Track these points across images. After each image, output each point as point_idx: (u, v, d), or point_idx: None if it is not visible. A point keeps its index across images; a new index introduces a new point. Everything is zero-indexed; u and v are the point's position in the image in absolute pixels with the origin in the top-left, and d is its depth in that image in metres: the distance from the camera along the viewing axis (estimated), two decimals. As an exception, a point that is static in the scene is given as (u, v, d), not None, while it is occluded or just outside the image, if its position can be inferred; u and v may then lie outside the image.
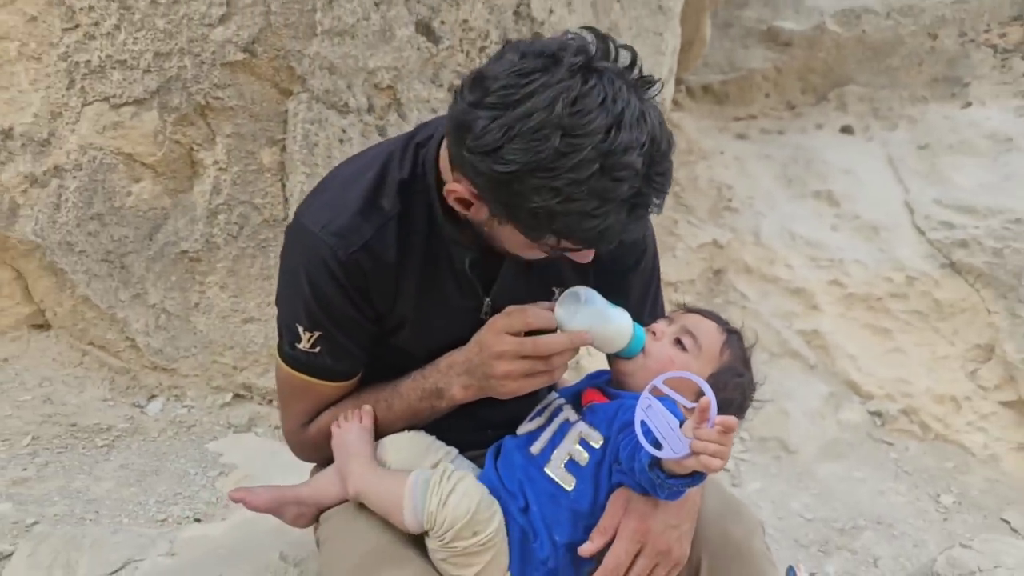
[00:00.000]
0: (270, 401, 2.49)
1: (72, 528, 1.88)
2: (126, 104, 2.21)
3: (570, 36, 1.03)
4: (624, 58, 1.04)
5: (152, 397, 2.41)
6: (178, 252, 2.34)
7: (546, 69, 0.98)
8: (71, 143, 2.21)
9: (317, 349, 1.26)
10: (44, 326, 2.43)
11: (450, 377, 1.25)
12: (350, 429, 1.31)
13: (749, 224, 3.76)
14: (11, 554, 1.85)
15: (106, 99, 2.21)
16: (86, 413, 2.32)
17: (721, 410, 1.26)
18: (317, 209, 1.24)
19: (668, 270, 3.49)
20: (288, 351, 1.29)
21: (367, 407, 1.32)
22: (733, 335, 1.37)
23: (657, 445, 1.04)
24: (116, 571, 1.73)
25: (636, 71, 1.03)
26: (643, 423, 1.05)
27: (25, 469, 2.17)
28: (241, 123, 2.28)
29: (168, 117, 2.23)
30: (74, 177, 2.23)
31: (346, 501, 1.30)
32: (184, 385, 2.43)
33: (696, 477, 1.07)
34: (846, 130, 4.11)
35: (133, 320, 2.35)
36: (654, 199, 1.05)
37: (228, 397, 2.46)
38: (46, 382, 2.36)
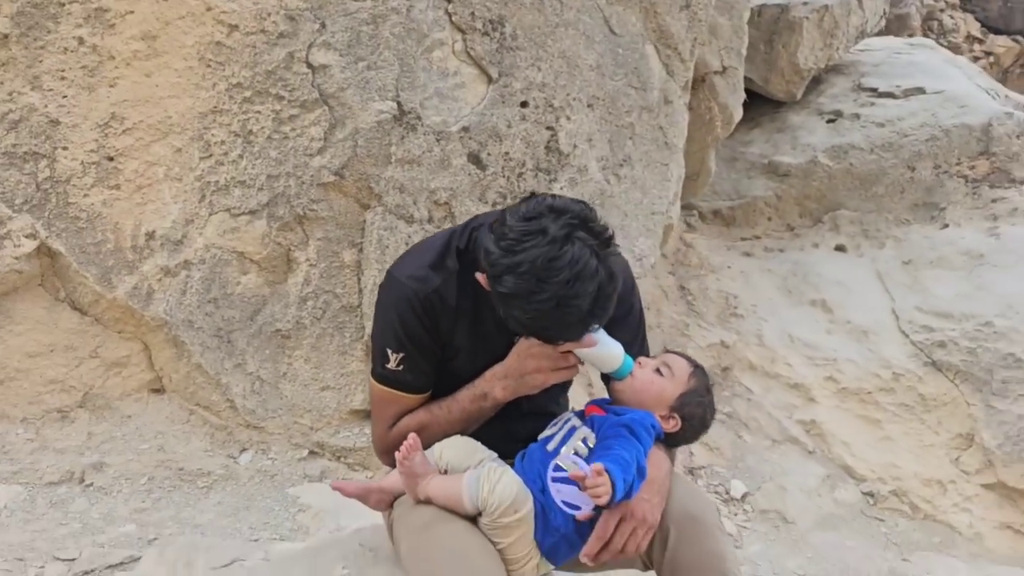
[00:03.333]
0: (339, 458, 2.99)
1: (190, 537, 2.37)
2: (243, 214, 2.85)
3: (570, 214, 1.52)
4: (599, 227, 1.54)
5: (244, 450, 2.93)
6: (273, 331, 2.91)
7: (541, 232, 1.49)
8: (199, 243, 2.84)
9: (401, 368, 1.76)
10: (160, 390, 2.98)
11: (493, 383, 1.74)
12: (412, 458, 1.78)
13: (753, 328, 4.25)
14: (140, 558, 2.33)
15: (227, 210, 2.85)
16: (191, 460, 2.84)
17: (686, 422, 1.79)
18: (403, 265, 1.78)
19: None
20: (380, 371, 1.79)
21: (414, 436, 1.70)
22: (699, 369, 1.86)
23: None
24: (226, 565, 2.19)
25: (604, 235, 1.54)
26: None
27: (143, 501, 2.68)
28: (329, 229, 2.91)
29: (274, 224, 2.86)
30: (198, 269, 2.85)
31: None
32: (270, 441, 2.94)
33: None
34: (839, 248, 4.64)
35: (234, 385, 2.90)
36: (595, 323, 1.57)
37: (305, 453, 2.96)
38: (160, 435, 2.89)
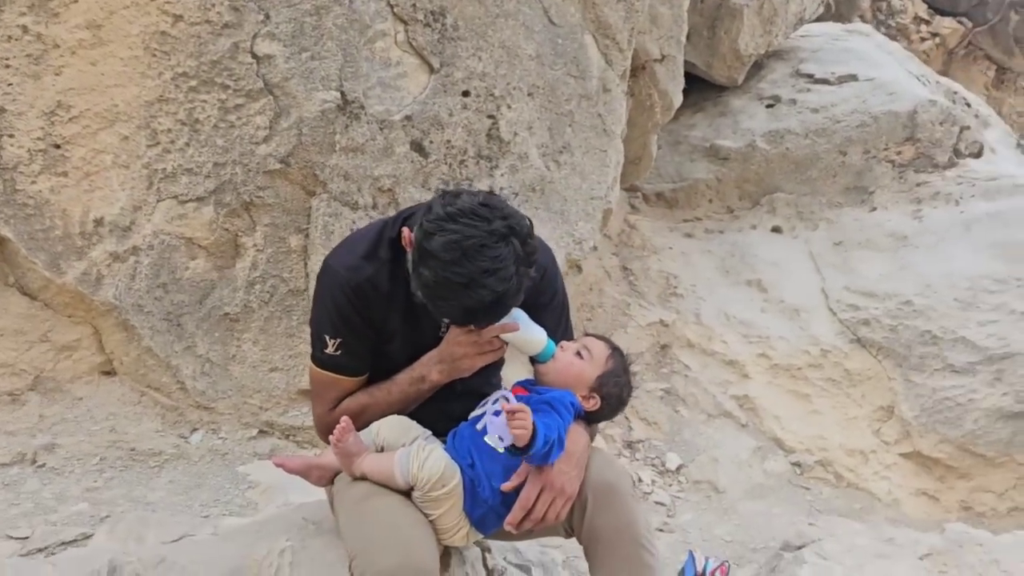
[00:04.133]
0: (288, 436, 3.10)
1: (141, 513, 2.47)
2: (191, 201, 2.92)
3: (516, 222, 1.62)
4: (531, 247, 1.65)
5: (194, 430, 3.02)
6: (222, 314, 3.00)
7: (486, 220, 1.59)
8: (147, 229, 2.91)
9: (339, 352, 1.86)
10: (111, 373, 3.05)
11: (429, 366, 1.86)
12: (346, 439, 1.88)
13: (692, 307, 4.43)
14: (92, 535, 2.42)
15: (175, 197, 2.92)
16: (142, 440, 2.93)
17: (604, 401, 1.93)
18: (338, 255, 1.89)
19: (621, 343, 4.14)
20: (319, 356, 1.89)
21: (347, 419, 1.81)
22: (617, 351, 2.00)
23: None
24: (176, 540, 2.30)
25: (531, 255, 1.65)
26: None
27: (95, 481, 2.77)
28: (276, 216, 2.99)
29: (221, 211, 2.94)
30: (147, 255, 2.91)
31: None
32: (220, 421, 3.04)
33: (534, 453, 1.67)
34: (776, 230, 4.84)
35: (184, 367, 2.98)
36: (479, 322, 1.70)
37: (254, 432, 3.06)
38: (111, 417, 2.97)
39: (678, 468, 3.72)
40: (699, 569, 2.41)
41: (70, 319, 2.99)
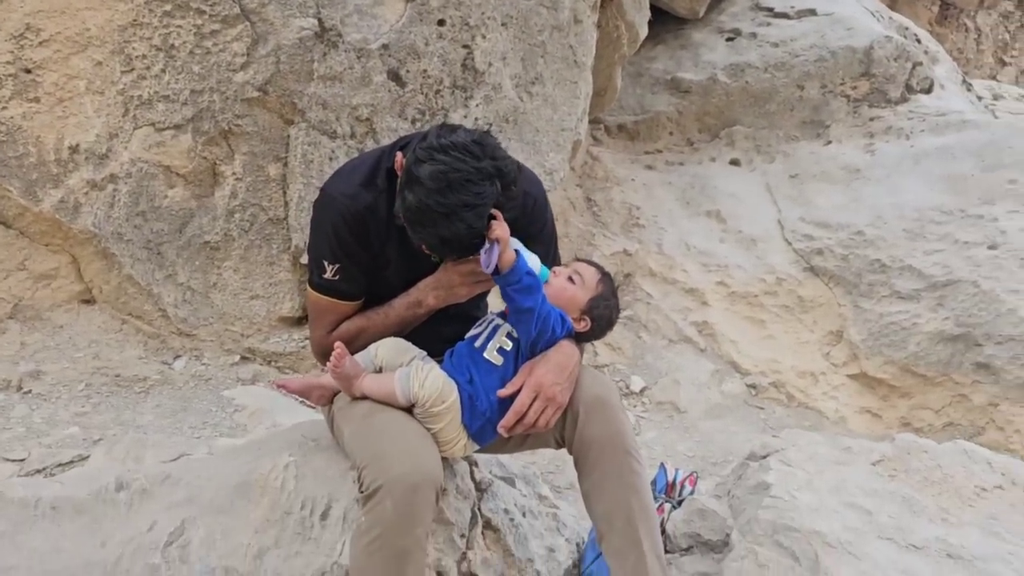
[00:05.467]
0: (269, 363, 3.17)
1: (135, 435, 2.54)
2: (168, 128, 2.91)
3: (506, 165, 1.69)
4: (514, 192, 1.73)
5: (177, 356, 3.07)
6: (202, 242, 3.02)
7: (476, 158, 1.65)
8: (124, 157, 2.90)
9: (337, 277, 1.92)
10: (91, 301, 3.07)
11: (426, 292, 1.95)
12: (343, 363, 1.94)
13: (653, 237, 4.57)
14: (88, 457, 2.49)
15: (152, 124, 2.90)
16: (126, 367, 2.97)
17: (594, 323, 2.04)
18: (336, 183, 1.93)
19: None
20: (317, 281, 1.95)
21: (340, 345, 1.89)
22: (606, 276, 2.11)
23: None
24: (173, 460, 2.38)
25: (510, 200, 1.73)
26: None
27: (83, 406, 2.82)
28: (254, 144, 3.00)
29: (199, 139, 2.94)
30: (125, 183, 2.91)
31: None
32: (203, 348, 3.09)
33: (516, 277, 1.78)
34: (734, 163, 4.98)
35: (165, 295, 3.02)
36: (448, 254, 1.77)
37: (237, 358, 3.13)
38: (94, 344, 3.00)
39: (642, 390, 3.90)
40: (670, 479, 2.58)
41: (47, 248, 2.98)
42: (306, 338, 3.05)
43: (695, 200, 4.78)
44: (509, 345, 1.96)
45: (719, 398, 3.99)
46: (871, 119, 4.81)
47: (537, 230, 2.05)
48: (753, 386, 4.10)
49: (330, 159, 3.03)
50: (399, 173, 1.80)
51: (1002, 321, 3.71)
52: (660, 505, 2.43)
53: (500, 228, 1.74)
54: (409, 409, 1.92)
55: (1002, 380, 3.68)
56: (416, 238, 1.77)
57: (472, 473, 2.30)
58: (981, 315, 3.76)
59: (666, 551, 2.23)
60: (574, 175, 4.79)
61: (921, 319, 3.93)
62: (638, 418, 3.72)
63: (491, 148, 1.72)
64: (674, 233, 4.59)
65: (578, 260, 2.14)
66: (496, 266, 1.77)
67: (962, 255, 3.95)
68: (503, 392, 1.88)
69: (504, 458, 2.57)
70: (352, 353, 1.99)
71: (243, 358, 3.13)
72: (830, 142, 4.84)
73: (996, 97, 6.99)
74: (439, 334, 2.05)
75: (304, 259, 3.00)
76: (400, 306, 1.99)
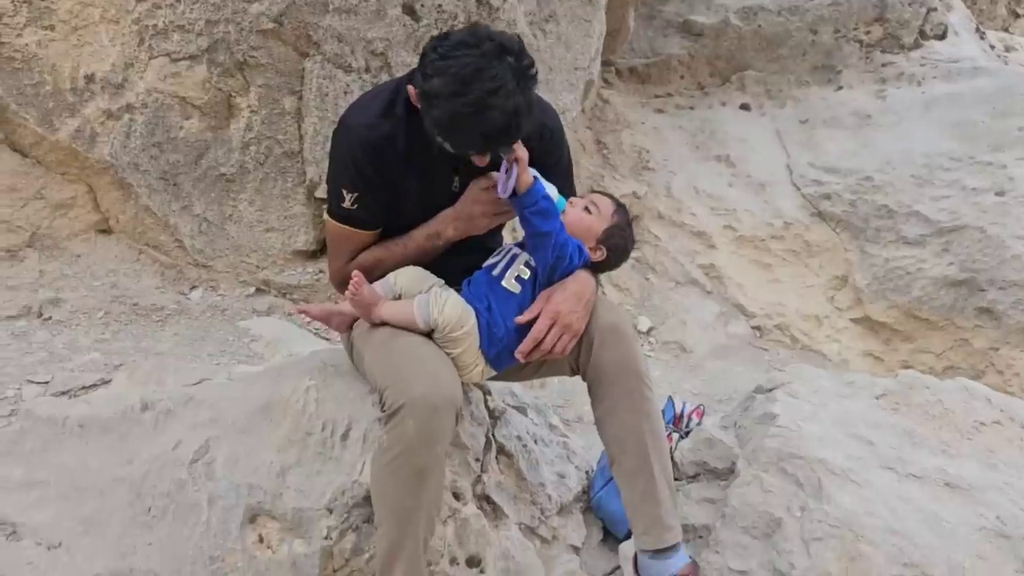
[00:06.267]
0: (284, 295, 3.21)
1: (157, 360, 2.59)
2: (183, 59, 2.91)
3: (504, 40, 1.70)
4: (527, 60, 1.73)
5: (194, 287, 3.12)
6: (217, 174, 3.05)
7: (476, 46, 1.66)
8: (140, 87, 2.90)
9: (356, 207, 1.94)
10: (108, 231, 3.10)
11: (445, 223, 1.98)
12: (361, 291, 1.99)
13: (662, 180, 4.59)
14: (110, 381, 2.55)
15: (168, 55, 2.90)
16: (144, 296, 3.02)
17: (610, 252, 2.07)
18: (355, 113, 1.95)
19: (595, 214, 4.30)
20: (336, 210, 1.97)
21: (358, 273, 1.91)
22: (621, 207, 2.14)
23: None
24: (195, 383, 2.44)
25: (528, 68, 1.72)
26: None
27: (103, 333, 2.87)
28: (270, 77, 3.00)
29: (214, 70, 2.94)
30: (141, 113, 2.92)
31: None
32: (219, 279, 3.14)
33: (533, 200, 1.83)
34: (744, 107, 4.97)
35: (181, 226, 3.05)
36: (502, 144, 1.74)
37: (252, 290, 3.17)
38: (111, 273, 3.04)
39: (649, 330, 3.96)
40: (678, 411, 2.64)
41: (64, 177, 3.01)
42: (321, 271, 3.09)
43: (705, 144, 4.78)
44: (527, 274, 2.00)
45: (724, 339, 4.05)
46: (883, 65, 4.78)
47: (554, 161, 2.07)
48: (758, 328, 4.16)
49: (345, 93, 3.03)
50: (416, 104, 1.80)
51: (1006, 267, 3.75)
52: (668, 435, 2.50)
53: (520, 149, 1.76)
54: (428, 334, 1.97)
55: (1003, 324, 3.73)
56: (462, 149, 1.76)
57: (486, 402, 2.36)
58: (986, 260, 3.80)
59: (674, 479, 2.30)
60: (584, 117, 4.78)
61: (926, 264, 3.97)
62: (645, 357, 3.78)
63: (484, 31, 1.72)
64: (683, 177, 4.60)
65: (594, 192, 2.17)
66: (514, 189, 1.80)
67: (969, 201, 3.97)
68: (521, 319, 1.92)
69: (516, 389, 2.63)
70: (371, 283, 2.03)
71: (258, 290, 3.18)
72: (841, 87, 4.82)
73: (1008, 48, 6.92)
74: (457, 265, 2.07)
75: (319, 192, 3.03)
76: (419, 237, 2.01)
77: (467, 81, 1.64)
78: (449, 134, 1.73)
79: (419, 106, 1.77)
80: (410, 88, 1.81)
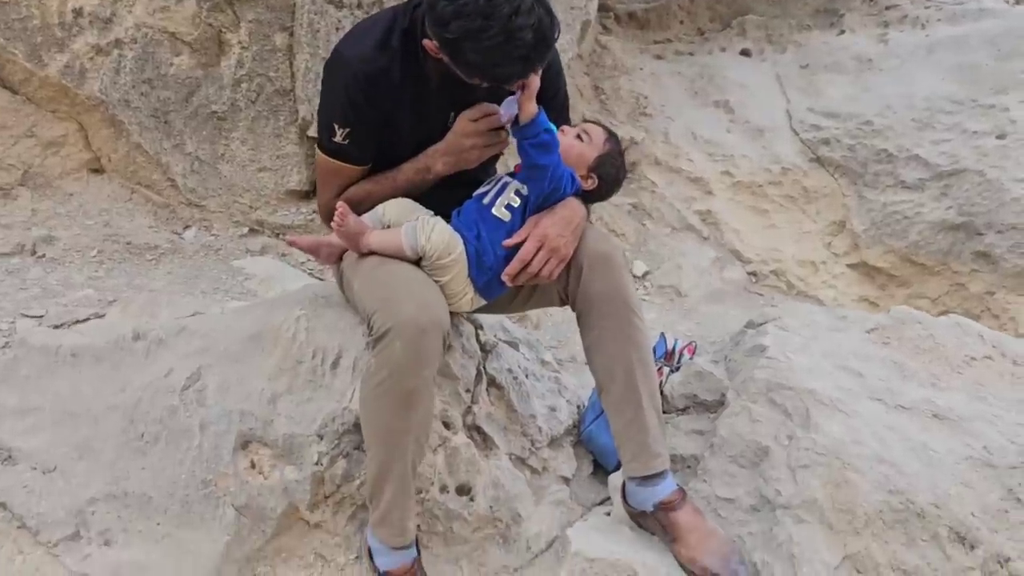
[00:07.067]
0: (278, 235, 3.21)
1: (152, 295, 2.60)
2: (172, -7, 2.87)
3: None
4: None
5: (187, 227, 3.11)
6: (209, 112, 3.02)
7: None
8: (129, 22, 2.86)
9: (347, 141, 1.91)
10: (100, 170, 3.09)
11: (435, 158, 1.96)
12: (347, 221, 1.98)
13: (660, 126, 4.54)
14: (104, 315, 2.56)
15: (156, -12, 2.86)
16: (137, 235, 3.01)
17: (602, 181, 2.06)
18: (350, 44, 1.92)
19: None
20: (327, 144, 1.94)
21: (343, 204, 1.85)
22: (613, 136, 2.13)
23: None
24: (188, 316, 2.45)
25: None
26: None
27: (96, 271, 2.87)
28: (260, 12, 2.96)
29: (204, 4, 2.89)
30: (131, 49, 2.89)
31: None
32: (212, 219, 3.13)
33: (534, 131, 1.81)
34: (745, 52, 4.90)
35: (173, 165, 3.03)
36: (539, 60, 1.71)
37: (245, 230, 3.17)
38: (104, 212, 3.03)
39: (644, 274, 3.96)
40: (669, 348, 2.66)
41: (54, 114, 2.98)
42: (314, 211, 3.08)
43: (704, 90, 4.72)
44: (517, 202, 1.99)
45: (720, 284, 4.05)
46: (887, 7, 4.71)
47: (551, 95, 2.04)
48: (754, 274, 4.15)
49: (337, 29, 2.98)
50: (436, 56, 1.75)
51: (1005, 210, 3.73)
52: (659, 369, 2.51)
53: (533, 77, 1.74)
54: (417, 263, 1.97)
55: (1000, 268, 3.72)
56: (506, 80, 1.72)
57: (478, 336, 2.37)
58: (984, 204, 3.78)
59: (664, 412, 2.31)
60: (582, 63, 4.72)
61: (924, 208, 3.95)
62: (640, 300, 3.77)
63: None
64: (681, 123, 4.56)
65: (586, 121, 2.15)
66: (516, 119, 1.78)
67: (970, 144, 3.93)
68: (508, 242, 1.92)
69: (508, 324, 2.64)
70: (359, 216, 2.03)
71: (252, 230, 3.17)
72: (843, 31, 4.75)
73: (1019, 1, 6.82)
74: (446, 199, 2.06)
75: (312, 132, 3.01)
76: (408, 171, 2.00)
77: (487, 14, 1.60)
78: (490, 71, 1.70)
79: (444, 58, 1.73)
80: (427, 43, 1.77)
